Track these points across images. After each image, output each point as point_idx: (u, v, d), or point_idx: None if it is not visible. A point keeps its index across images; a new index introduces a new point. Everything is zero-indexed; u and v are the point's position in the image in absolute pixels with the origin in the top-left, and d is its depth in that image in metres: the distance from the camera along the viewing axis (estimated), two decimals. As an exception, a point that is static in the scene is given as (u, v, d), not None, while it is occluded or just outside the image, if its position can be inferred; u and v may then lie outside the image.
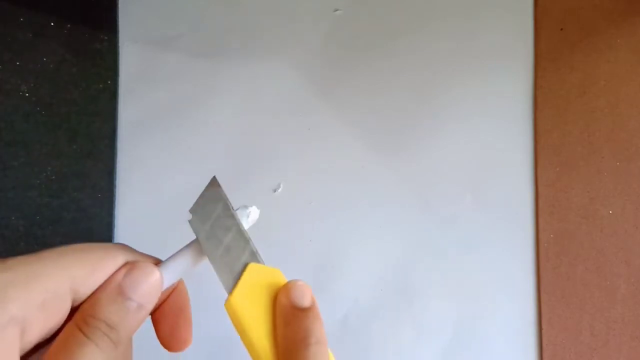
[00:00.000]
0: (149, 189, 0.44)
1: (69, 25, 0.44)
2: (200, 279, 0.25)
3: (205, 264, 0.21)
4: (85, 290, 0.18)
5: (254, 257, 0.21)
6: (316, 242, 0.43)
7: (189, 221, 0.21)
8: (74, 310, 0.18)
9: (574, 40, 0.44)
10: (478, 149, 0.44)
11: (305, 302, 0.20)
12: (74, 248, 0.18)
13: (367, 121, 0.44)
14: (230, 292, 0.20)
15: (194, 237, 0.21)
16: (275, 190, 0.44)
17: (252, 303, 0.20)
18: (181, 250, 0.21)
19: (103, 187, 0.43)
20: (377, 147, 0.44)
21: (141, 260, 0.20)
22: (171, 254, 0.21)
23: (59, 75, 0.44)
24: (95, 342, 0.17)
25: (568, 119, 0.43)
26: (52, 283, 0.17)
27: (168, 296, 0.22)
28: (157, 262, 0.21)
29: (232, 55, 0.45)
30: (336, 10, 0.45)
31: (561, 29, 0.44)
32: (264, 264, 0.21)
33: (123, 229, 0.43)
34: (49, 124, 0.43)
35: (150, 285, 0.19)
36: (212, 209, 0.21)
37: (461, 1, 0.45)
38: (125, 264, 0.19)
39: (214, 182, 0.21)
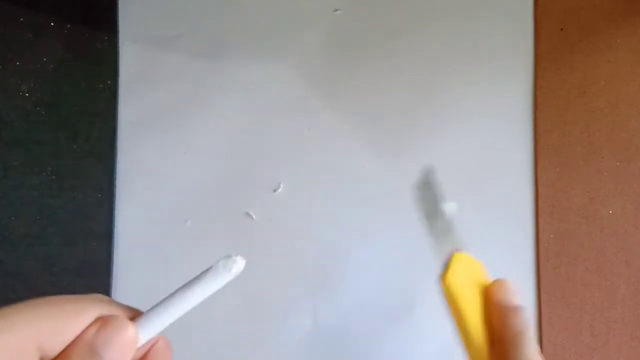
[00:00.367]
0: (149, 189, 0.44)
1: (69, 25, 0.44)
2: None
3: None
4: (54, 347, 0.17)
5: (461, 245, 0.24)
6: (316, 242, 0.43)
7: (415, 195, 0.24)
8: None
9: (574, 40, 0.44)
10: (478, 149, 0.44)
11: (518, 300, 0.23)
12: (43, 301, 0.17)
13: (367, 121, 0.44)
14: (444, 269, 0.23)
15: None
16: (275, 190, 0.44)
17: (462, 285, 0.23)
18: (162, 301, 0.19)
19: (103, 187, 0.43)
20: (377, 147, 0.44)
21: (117, 313, 0.18)
22: (151, 306, 0.19)
23: (59, 75, 0.44)
24: None
25: (568, 119, 0.43)
26: (16, 341, 0.16)
27: (147, 352, 0.20)
28: (136, 314, 0.19)
29: (232, 55, 0.45)
30: (336, 10, 0.45)
31: (561, 29, 0.44)
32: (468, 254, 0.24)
33: (123, 229, 0.43)
34: (49, 124, 0.43)
35: (124, 342, 0.17)
36: (430, 193, 0.24)
37: (461, 1, 0.45)
38: (98, 318, 0.18)
39: (431, 169, 0.25)
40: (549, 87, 0.44)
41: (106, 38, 0.45)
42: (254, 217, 0.43)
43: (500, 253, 0.43)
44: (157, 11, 0.46)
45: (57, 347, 0.17)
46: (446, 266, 0.23)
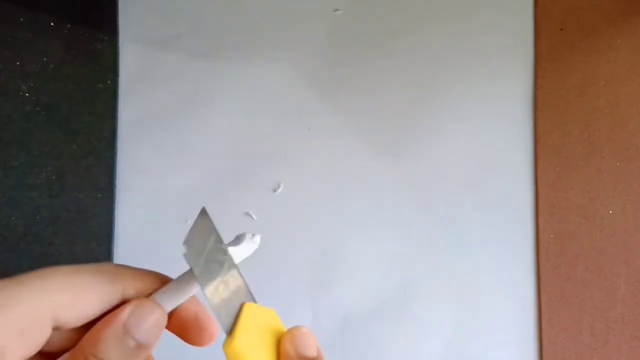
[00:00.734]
0: (149, 189, 0.44)
1: (69, 25, 0.44)
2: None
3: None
4: (68, 318, 0.17)
5: (249, 295, 0.20)
6: (316, 242, 0.43)
7: (184, 254, 0.19)
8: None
9: (574, 40, 0.44)
10: (478, 149, 0.44)
11: (313, 351, 0.20)
12: (56, 271, 0.18)
13: (367, 121, 0.44)
14: (229, 332, 0.19)
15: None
16: (275, 190, 0.44)
17: (252, 346, 0.19)
18: (182, 275, 0.20)
19: (103, 187, 0.43)
20: (377, 147, 0.44)
21: (134, 285, 0.19)
22: (174, 279, 0.20)
23: (59, 75, 0.44)
24: None
25: (568, 119, 0.43)
26: (31, 310, 0.16)
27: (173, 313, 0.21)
28: (153, 279, 0.20)
29: (232, 55, 0.45)
30: (336, 10, 0.45)
31: (561, 29, 0.44)
32: (256, 302, 0.20)
33: (123, 229, 0.43)
34: (49, 124, 0.43)
35: (154, 324, 0.18)
36: (205, 241, 0.20)
37: (461, 1, 0.45)
38: (123, 301, 0.19)
39: (203, 213, 0.20)
40: (549, 87, 0.44)
41: (106, 38, 0.45)
42: (254, 217, 0.43)
43: (500, 253, 0.43)
44: (157, 11, 0.46)
45: (71, 318, 0.17)
46: (232, 326, 0.19)
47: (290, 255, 0.43)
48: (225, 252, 0.20)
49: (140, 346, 0.18)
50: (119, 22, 0.45)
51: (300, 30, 0.45)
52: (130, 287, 0.19)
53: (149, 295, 0.19)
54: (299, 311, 0.42)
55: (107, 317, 0.18)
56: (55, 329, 0.17)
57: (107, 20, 0.45)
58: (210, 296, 0.19)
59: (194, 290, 0.20)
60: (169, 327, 0.20)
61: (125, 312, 0.18)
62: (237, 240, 0.21)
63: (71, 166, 0.43)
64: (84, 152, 0.43)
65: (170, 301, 0.19)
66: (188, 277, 0.19)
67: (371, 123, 0.44)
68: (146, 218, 0.43)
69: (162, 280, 0.20)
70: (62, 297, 0.17)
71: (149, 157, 0.44)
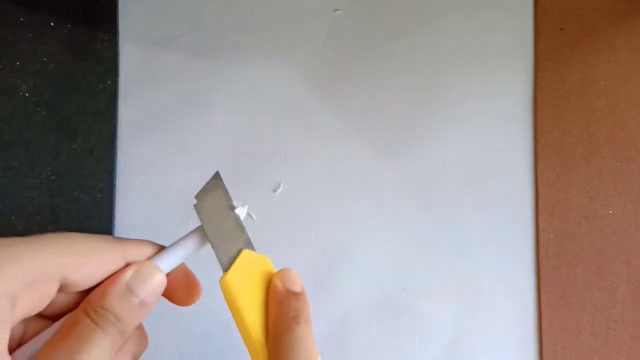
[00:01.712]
0: (149, 189, 0.44)
1: (69, 25, 0.44)
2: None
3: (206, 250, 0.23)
4: (75, 278, 0.19)
5: (248, 244, 0.23)
6: (316, 242, 0.43)
7: (194, 205, 0.23)
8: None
9: (574, 40, 0.44)
10: (478, 149, 0.44)
11: (298, 287, 0.23)
12: (64, 236, 0.19)
13: (367, 121, 0.44)
14: (225, 271, 0.22)
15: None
16: (275, 190, 0.44)
17: (244, 283, 0.22)
18: (184, 237, 0.23)
19: (103, 187, 0.43)
20: (377, 147, 0.44)
21: (133, 252, 0.21)
22: (175, 240, 0.23)
23: (59, 75, 0.44)
24: (104, 330, 0.19)
25: (568, 119, 0.43)
26: (41, 265, 0.18)
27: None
28: (151, 245, 0.22)
29: (233, 55, 0.45)
30: (336, 10, 0.45)
31: (561, 29, 0.44)
32: (255, 251, 0.23)
33: (123, 229, 0.43)
34: (49, 124, 0.43)
35: (155, 285, 0.21)
36: (215, 198, 0.23)
37: (461, 1, 0.45)
38: (132, 263, 0.21)
39: (217, 176, 0.24)
40: (549, 87, 0.44)
41: (106, 38, 0.45)
42: (254, 217, 0.43)
43: (500, 253, 0.43)
44: (158, 11, 0.46)
45: (77, 279, 0.19)
46: (227, 268, 0.22)
47: (290, 255, 0.43)
48: (232, 209, 0.23)
49: (143, 303, 0.20)
50: (119, 22, 0.45)
51: (301, 30, 0.45)
52: (131, 254, 0.21)
53: (149, 258, 0.22)
54: None
55: (112, 276, 0.20)
56: (61, 289, 0.19)
57: (107, 20, 0.45)
58: (213, 239, 0.22)
59: (189, 253, 0.22)
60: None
61: (129, 273, 0.20)
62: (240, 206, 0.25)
63: (71, 166, 0.43)
64: (84, 152, 0.43)
65: (169, 263, 0.22)
66: (183, 241, 0.22)
67: (371, 123, 0.44)
68: (146, 218, 0.43)
69: (159, 248, 0.23)
70: (70, 258, 0.19)
71: (149, 157, 0.44)
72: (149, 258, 0.22)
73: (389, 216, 0.43)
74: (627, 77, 0.43)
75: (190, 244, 0.22)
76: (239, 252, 0.23)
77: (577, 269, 0.42)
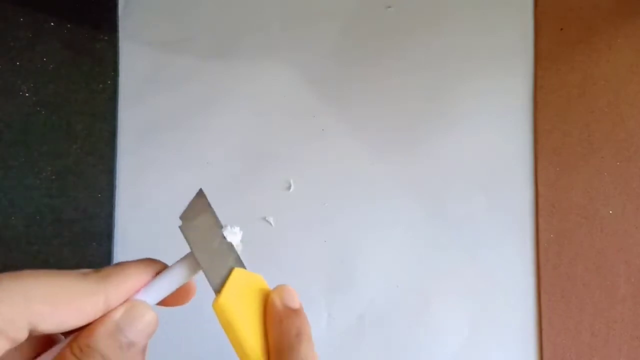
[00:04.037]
0: (149, 189, 0.44)
1: (69, 25, 0.44)
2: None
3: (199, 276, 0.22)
4: (45, 328, 0.18)
5: (239, 262, 0.22)
6: (330, 242, 0.43)
7: (180, 227, 0.22)
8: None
9: (574, 40, 0.44)
10: (478, 149, 0.44)
11: (296, 304, 0.22)
12: (36, 278, 0.18)
13: (377, 121, 0.44)
14: (218, 292, 0.21)
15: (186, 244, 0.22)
16: (288, 190, 0.43)
17: (239, 303, 0.21)
18: (174, 265, 0.22)
19: (103, 187, 0.43)
20: (386, 147, 0.44)
21: (116, 284, 0.20)
22: (165, 270, 0.22)
23: (59, 75, 0.44)
24: None
25: (568, 119, 0.43)
26: (8, 312, 0.17)
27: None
28: (137, 279, 0.21)
29: (234, 54, 0.45)
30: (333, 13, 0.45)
31: (561, 29, 0.44)
32: (246, 269, 0.22)
33: (123, 229, 0.43)
34: (49, 124, 0.43)
35: (145, 325, 0.20)
36: (201, 217, 0.23)
37: (461, 1, 0.45)
38: (124, 302, 0.20)
39: (200, 194, 0.23)
40: (549, 87, 0.44)
41: (106, 38, 0.45)
42: (271, 223, 0.43)
43: (500, 253, 0.43)
44: (158, 11, 0.46)
45: (50, 327, 0.18)
46: (219, 289, 0.21)
47: (304, 255, 0.43)
48: (219, 228, 0.22)
49: (132, 344, 0.19)
50: (119, 22, 0.45)
51: (312, 30, 0.45)
52: (115, 292, 0.20)
53: (139, 289, 0.21)
54: (314, 311, 0.42)
55: (102, 317, 0.19)
56: (33, 334, 0.18)
57: (107, 20, 0.45)
58: (202, 261, 0.21)
59: (180, 282, 0.21)
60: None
61: (119, 311, 0.19)
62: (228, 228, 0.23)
63: (71, 166, 0.43)
64: (84, 152, 0.43)
65: (159, 295, 0.21)
66: (173, 271, 0.21)
67: (381, 123, 0.44)
68: (146, 218, 0.43)
69: (149, 277, 0.21)
70: (40, 307, 0.17)
71: (149, 157, 0.44)
72: (139, 289, 0.21)
73: (399, 215, 0.43)
74: (627, 77, 0.43)
75: (181, 273, 0.21)
76: (230, 271, 0.22)
77: (577, 269, 0.42)
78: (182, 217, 0.22)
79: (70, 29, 0.44)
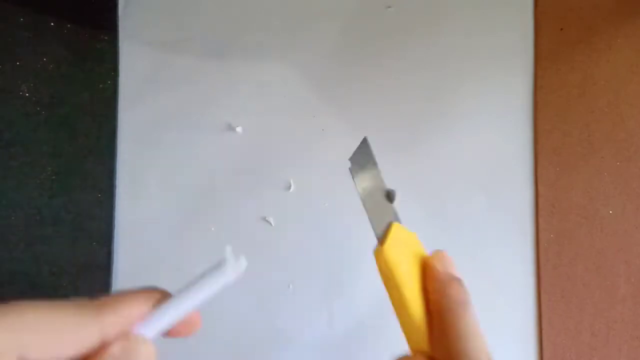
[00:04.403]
0: (149, 189, 0.44)
1: (69, 25, 0.44)
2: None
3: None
4: (37, 356, 0.17)
5: (397, 217, 0.24)
6: (330, 242, 0.43)
7: (350, 169, 0.24)
8: None
9: (574, 40, 0.44)
10: (478, 149, 0.44)
11: (457, 272, 0.23)
12: (28, 309, 0.17)
13: (377, 121, 0.44)
14: (380, 241, 0.22)
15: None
16: (288, 189, 0.43)
17: (398, 257, 0.22)
18: (177, 296, 0.20)
19: (103, 187, 0.43)
20: (386, 147, 0.43)
21: (114, 314, 0.19)
22: (167, 300, 0.20)
23: (59, 75, 0.44)
24: None
25: (568, 119, 0.43)
26: None
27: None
28: (136, 309, 0.20)
29: (234, 54, 0.45)
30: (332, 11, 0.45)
31: (561, 29, 0.44)
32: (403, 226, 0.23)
33: (123, 229, 0.43)
34: (49, 124, 0.43)
35: (145, 357, 0.19)
36: (368, 168, 0.24)
37: (461, 1, 0.45)
38: (122, 335, 0.19)
39: (365, 142, 0.25)
40: (549, 87, 0.44)
41: (106, 38, 0.45)
42: (271, 223, 0.43)
43: (500, 253, 0.43)
44: (158, 11, 0.46)
45: (41, 356, 0.17)
46: (382, 239, 0.22)
47: (304, 255, 0.43)
48: (381, 179, 0.24)
49: None
50: (119, 22, 0.45)
51: (312, 30, 0.45)
52: (110, 327, 0.19)
53: (138, 320, 0.20)
54: (315, 313, 0.42)
55: (100, 350, 0.18)
56: None
57: (107, 20, 0.45)
58: (369, 209, 0.23)
59: (183, 315, 0.20)
60: None
61: (116, 348, 0.18)
62: (219, 265, 0.20)
63: (71, 166, 0.43)
64: (84, 152, 0.43)
65: (160, 328, 0.20)
66: (176, 302, 0.20)
67: (380, 123, 0.44)
68: (146, 218, 0.43)
69: (150, 306, 0.20)
70: (31, 338, 0.17)
71: (149, 158, 0.44)
72: (139, 319, 0.20)
73: (402, 216, 0.43)
74: (627, 77, 0.43)
75: (184, 305, 0.20)
76: (389, 225, 0.23)
77: (577, 269, 0.42)
78: (351, 160, 0.24)
79: (70, 29, 0.44)
